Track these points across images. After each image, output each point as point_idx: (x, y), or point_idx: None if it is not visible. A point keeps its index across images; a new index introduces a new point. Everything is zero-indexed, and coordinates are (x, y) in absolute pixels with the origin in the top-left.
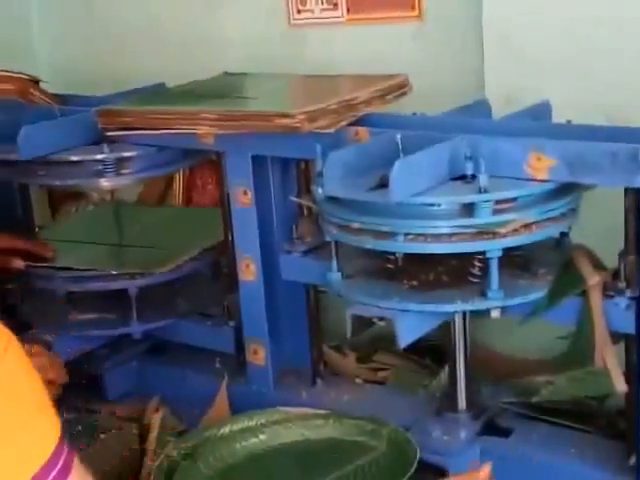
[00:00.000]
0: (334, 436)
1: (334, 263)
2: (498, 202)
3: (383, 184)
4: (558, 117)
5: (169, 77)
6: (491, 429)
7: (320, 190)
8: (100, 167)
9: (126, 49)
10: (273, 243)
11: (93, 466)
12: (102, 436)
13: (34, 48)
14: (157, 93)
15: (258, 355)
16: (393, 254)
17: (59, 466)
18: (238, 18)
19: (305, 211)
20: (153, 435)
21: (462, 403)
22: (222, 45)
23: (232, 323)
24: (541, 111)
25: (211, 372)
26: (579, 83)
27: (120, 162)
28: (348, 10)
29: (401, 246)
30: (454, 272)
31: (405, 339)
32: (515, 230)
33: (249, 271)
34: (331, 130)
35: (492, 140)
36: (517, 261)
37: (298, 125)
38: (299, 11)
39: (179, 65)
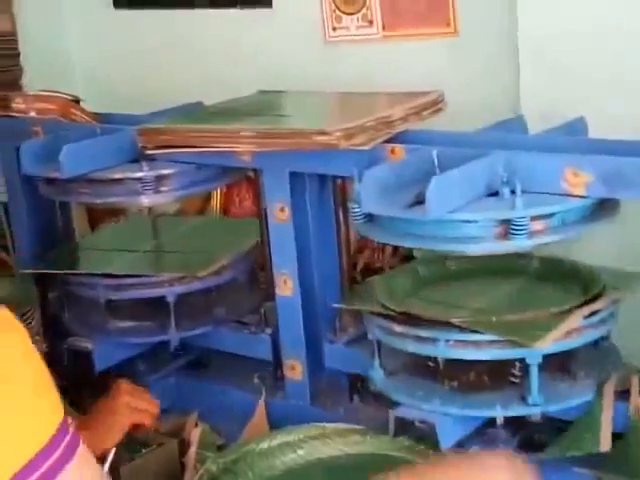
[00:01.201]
0: (372, 451)
1: (377, 362)
2: None
3: (419, 201)
4: (595, 132)
5: (206, 95)
6: (529, 444)
7: (357, 207)
8: (139, 185)
9: (163, 68)
10: (310, 259)
11: None
12: (142, 450)
13: (73, 67)
14: (195, 112)
15: (296, 370)
16: None
17: (59, 451)
18: (274, 36)
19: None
20: (192, 450)
21: (500, 418)
22: (258, 63)
23: (269, 331)
24: (577, 126)
25: (249, 387)
26: (616, 98)
27: (159, 180)
28: (384, 27)
29: (442, 351)
30: (494, 371)
31: (446, 442)
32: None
33: (287, 287)
34: (367, 147)
35: (528, 156)
36: (557, 360)
37: (335, 142)
38: (335, 28)
39: (216, 83)
